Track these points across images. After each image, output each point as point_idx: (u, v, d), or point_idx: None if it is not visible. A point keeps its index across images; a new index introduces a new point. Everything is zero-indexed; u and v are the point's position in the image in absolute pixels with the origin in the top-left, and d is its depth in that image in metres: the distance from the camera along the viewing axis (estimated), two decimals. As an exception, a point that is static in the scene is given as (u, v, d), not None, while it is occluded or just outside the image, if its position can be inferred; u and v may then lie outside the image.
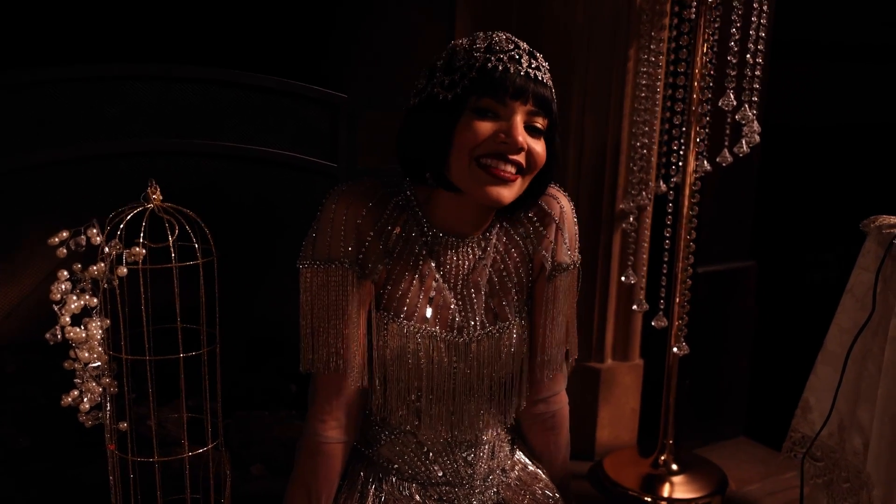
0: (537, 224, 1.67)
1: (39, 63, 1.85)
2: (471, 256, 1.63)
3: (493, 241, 1.65)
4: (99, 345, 1.41)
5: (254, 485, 2.25)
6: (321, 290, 1.57)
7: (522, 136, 1.45)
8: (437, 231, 1.60)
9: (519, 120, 1.46)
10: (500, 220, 1.66)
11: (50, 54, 1.97)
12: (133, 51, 2.00)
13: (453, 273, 1.63)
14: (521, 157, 1.47)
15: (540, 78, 1.47)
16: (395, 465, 1.71)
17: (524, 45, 1.50)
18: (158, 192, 1.47)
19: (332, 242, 1.55)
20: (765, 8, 2.23)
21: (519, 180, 1.49)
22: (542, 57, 1.52)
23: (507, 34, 1.51)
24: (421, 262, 1.60)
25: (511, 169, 1.47)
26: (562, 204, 1.68)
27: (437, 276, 1.61)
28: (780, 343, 3.35)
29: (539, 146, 1.49)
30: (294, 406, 2.66)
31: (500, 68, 1.45)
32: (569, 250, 1.69)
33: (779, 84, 2.44)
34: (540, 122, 1.49)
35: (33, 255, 2.12)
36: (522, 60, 1.46)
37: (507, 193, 1.49)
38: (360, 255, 1.55)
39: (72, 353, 1.40)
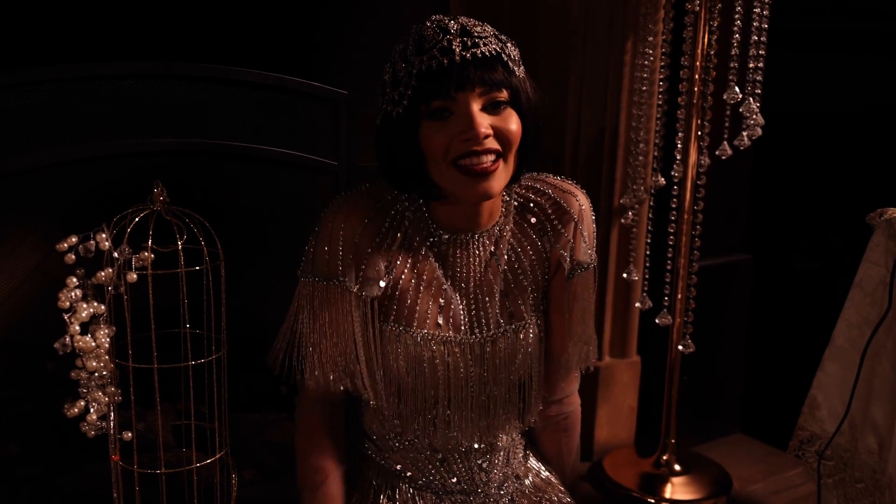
0: (555, 221, 1.62)
1: (34, 62, 1.77)
2: (481, 253, 1.58)
3: (507, 237, 1.59)
4: (105, 353, 1.34)
5: (246, 490, 2.18)
6: (322, 306, 1.51)
7: (484, 126, 1.38)
8: (444, 231, 1.55)
9: (475, 108, 1.39)
10: (511, 212, 1.60)
11: (44, 53, 1.89)
12: (128, 48, 1.92)
13: (464, 273, 1.58)
14: (491, 143, 1.40)
15: (480, 55, 1.38)
16: (409, 473, 1.65)
17: (454, 26, 1.40)
18: (165, 194, 1.39)
19: (330, 260, 1.49)
20: (767, -1, 2.20)
21: (501, 165, 1.43)
22: (480, 24, 1.42)
23: (438, 18, 1.42)
24: (428, 268, 1.55)
25: (489, 158, 1.40)
26: (580, 201, 1.64)
27: (444, 280, 1.56)
28: (771, 337, 3.33)
29: (510, 122, 1.42)
30: (284, 408, 2.59)
31: (434, 66, 1.37)
32: (588, 249, 1.65)
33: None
34: (501, 97, 1.41)
35: (13, 254, 2.03)
36: (454, 47, 1.37)
37: (495, 185, 1.43)
38: (361, 272, 1.50)
39: (79, 363, 1.33)
